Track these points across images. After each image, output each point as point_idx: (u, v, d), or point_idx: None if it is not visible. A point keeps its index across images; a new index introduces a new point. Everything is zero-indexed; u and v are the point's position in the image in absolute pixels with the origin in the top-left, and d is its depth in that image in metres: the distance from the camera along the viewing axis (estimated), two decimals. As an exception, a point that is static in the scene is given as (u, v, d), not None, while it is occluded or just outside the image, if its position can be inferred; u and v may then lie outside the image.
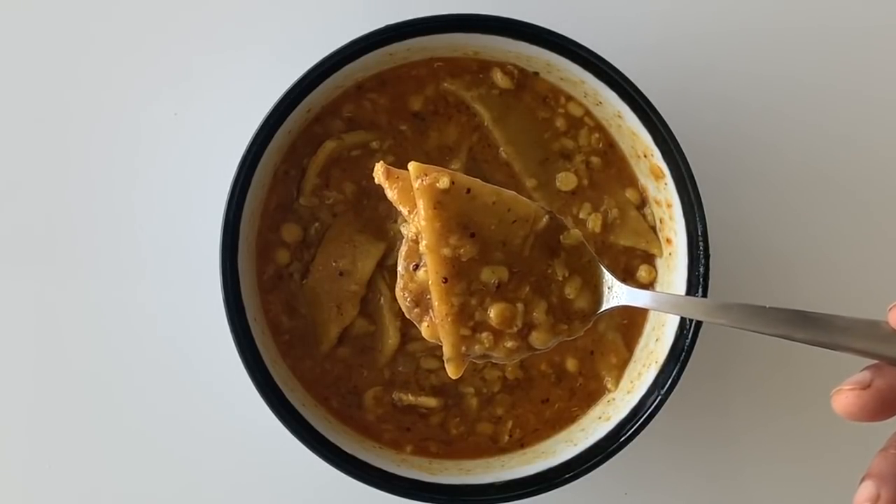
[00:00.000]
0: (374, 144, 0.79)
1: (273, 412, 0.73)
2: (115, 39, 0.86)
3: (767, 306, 0.57)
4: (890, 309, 0.53)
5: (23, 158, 0.85)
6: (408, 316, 0.64)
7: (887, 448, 0.54)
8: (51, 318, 0.85)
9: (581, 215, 0.80)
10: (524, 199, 0.63)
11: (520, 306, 0.63)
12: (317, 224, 0.79)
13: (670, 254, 0.79)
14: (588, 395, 0.81)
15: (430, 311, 0.63)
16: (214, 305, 0.73)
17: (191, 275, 0.84)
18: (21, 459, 0.85)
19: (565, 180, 0.80)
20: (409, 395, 0.79)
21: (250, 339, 0.73)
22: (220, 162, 0.77)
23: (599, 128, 0.81)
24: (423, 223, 0.61)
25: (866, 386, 0.53)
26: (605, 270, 0.66)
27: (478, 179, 0.62)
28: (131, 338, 0.85)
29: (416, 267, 0.63)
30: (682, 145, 0.75)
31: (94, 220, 0.85)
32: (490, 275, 0.62)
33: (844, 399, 0.53)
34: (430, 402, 0.79)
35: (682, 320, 0.75)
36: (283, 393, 0.74)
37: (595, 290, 0.66)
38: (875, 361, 0.55)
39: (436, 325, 0.63)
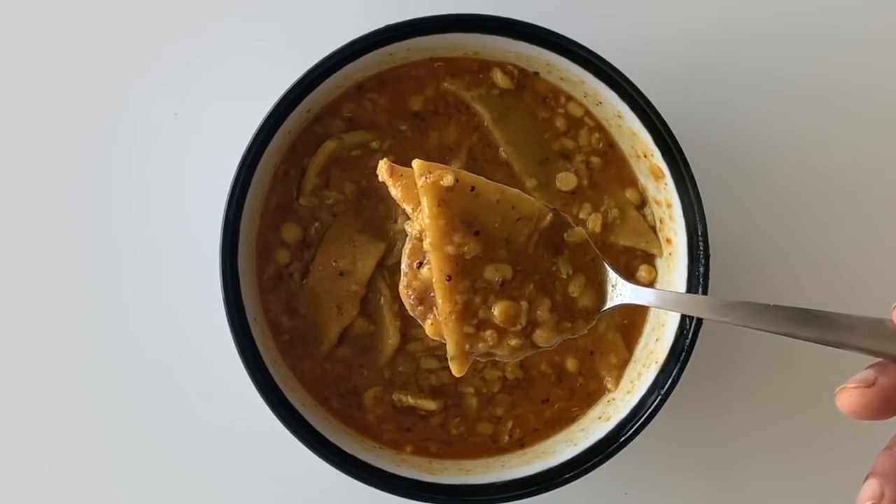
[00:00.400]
0: (374, 144, 0.79)
1: (273, 412, 0.73)
2: (116, 40, 0.86)
3: (772, 304, 0.57)
4: (894, 307, 0.53)
5: (19, 159, 0.85)
6: (411, 313, 0.64)
7: (891, 446, 0.54)
8: (50, 320, 0.84)
9: (581, 215, 0.80)
10: (528, 196, 0.63)
11: (524, 304, 0.63)
12: (317, 224, 0.79)
13: (670, 254, 0.79)
14: (588, 395, 0.81)
15: (434, 308, 0.63)
16: (214, 306, 0.73)
17: (190, 275, 0.84)
18: (21, 461, 0.84)
19: (565, 180, 0.80)
20: (409, 397, 0.79)
21: (250, 339, 0.73)
22: (219, 162, 0.77)
23: (599, 128, 0.81)
24: (426, 221, 0.61)
25: (870, 384, 0.53)
26: (609, 268, 0.66)
27: (482, 177, 0.62)
28: (130, 338, 0.85)
29: (420, 265, 0.63)
30: (682, 145, 0.75)
31: (92, 220, 0.85)
32: (494, 273, 0.62)
33: (849, 397, 0.53)
34: (430, 404, 0.78)
35: (682, 320, 0.75)
36: (283, 393, 0.74)
37: (599, 288, 0.66)
38: (879, 360, 0.55)
39: (439, 323, 0.62)
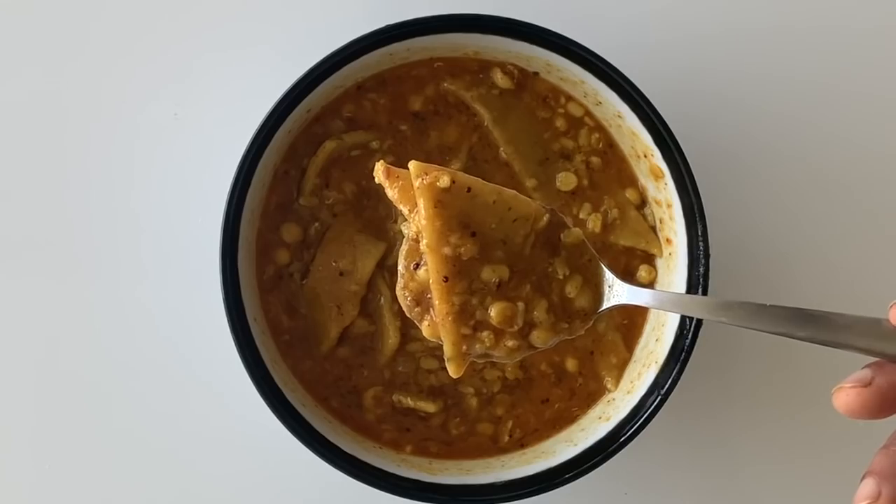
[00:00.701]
0: (374, 144, 0.79)
1: (273, 412, 0.73)
2: (115, 39, 0.86)
3: (769, 304, 0.57)
4: (891, 307, 0.53)
5: (20, 159, 0.85)
6: (408, 315, 0.64)
7: (888, 446, 0.54)
8: (50, 319, 0.85)
9: (581, 215, 0.80)
10: (525, 197, 0.63)
11: (520, 305, 0.63)
12: (317, 224, 0.79)
13: (670, 254, 0.79)
14: (588, 395, 0.81)
15: (431, 310, 0.63)
16: (214, 305, 0.73)
17: (190, 275, 0.84)
18: (20, 461, 0.84)
19: (565, 180, 0.80)
20: (409, 398, 0.79)
21: (250, 339, 0.73)
22: (219, 162, 0.77)
23: (599, 128, 0.81)
24: (423, 222, 0.61)
25: (867, 384, 0.53)
26: (605, 269, 0.66)
27: (478, 178, 0.62)
28: (131, 338, 0.85)
29: (417, 266, 0.63)
30: (682, 145, 0.74)
31: (93, 220, 0.85)
32: (491, 274, 0.62)
33: (845, 397, 0.53)
34: (429, 406, 0.79)
35: (682, 320, 0.75)
36: (283, 393, 0.74)
37: (596, 289, 0.66)
38: (876, 359, 0.55)
39: (436, 325, 0.62)
